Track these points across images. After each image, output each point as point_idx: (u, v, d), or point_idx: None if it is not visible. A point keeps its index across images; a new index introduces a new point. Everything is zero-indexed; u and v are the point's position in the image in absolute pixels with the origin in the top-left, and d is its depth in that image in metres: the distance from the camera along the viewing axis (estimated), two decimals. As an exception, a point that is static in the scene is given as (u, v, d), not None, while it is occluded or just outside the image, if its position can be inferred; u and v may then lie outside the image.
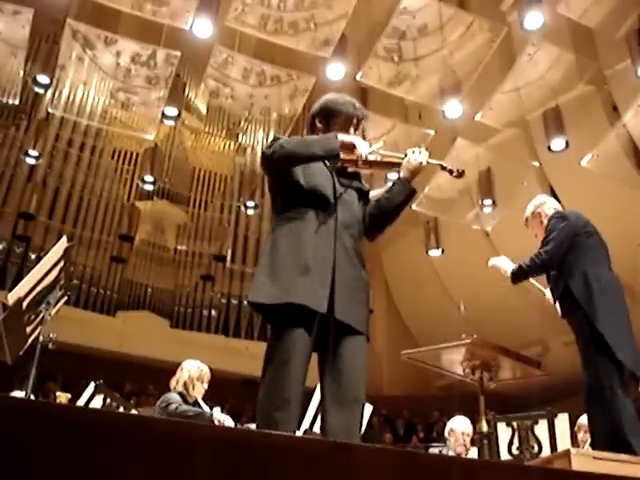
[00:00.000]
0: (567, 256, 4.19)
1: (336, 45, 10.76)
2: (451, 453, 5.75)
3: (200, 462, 1.57)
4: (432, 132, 12.19)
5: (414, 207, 12.16)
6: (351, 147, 2.92)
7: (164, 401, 5.10)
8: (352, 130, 3.16)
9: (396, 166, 3.14)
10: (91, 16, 11.26)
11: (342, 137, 2.95)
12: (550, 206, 4.55)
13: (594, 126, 11.46)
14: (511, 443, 5.02)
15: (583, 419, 5.34)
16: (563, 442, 4.93)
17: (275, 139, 3.02)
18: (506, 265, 4.42)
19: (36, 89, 11.87)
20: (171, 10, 10.15)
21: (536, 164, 12.90)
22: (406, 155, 3.09)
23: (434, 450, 6.45)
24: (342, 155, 2.96)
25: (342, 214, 2.96)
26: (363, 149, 2.94)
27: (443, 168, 3.17)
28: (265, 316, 2.90)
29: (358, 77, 11.27)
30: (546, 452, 4.88)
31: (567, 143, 11.17)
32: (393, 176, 3.16)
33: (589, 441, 4.40)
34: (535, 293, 4.76)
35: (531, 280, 4.56)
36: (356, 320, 2.84)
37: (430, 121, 12.75)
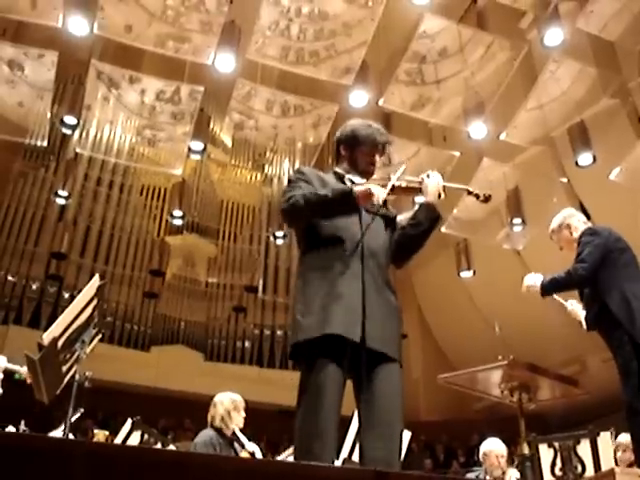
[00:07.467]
0: (601, 273, 4.09)
1: (357, 72, 10.83)
2: (488, 478, 5.67)
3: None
4: (457, 154, 12.17)
5: (443, 229, 12.12)
6: (368, 196, 2.86)
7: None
8: (377, 157, 3.15)
9: (418, 191, 3.13)
10: (115, 56, 11.43)
11: (357, 190, 2.87)
12: (579, 219, 4.48)
13: (621, 139, 11.36)
14: (554, 464, 4.92)
15: (622, 437, 5.23)
16: (606, 461, 4.82)
17: (290, 189, 3.00)
18: (536, 279, 4.32)
19: (63, 130, 12.05)
20: (193, 46, 10.29)
21: (564, 180, 12.81)
22: (422, 181, 3.06)
23: (471, 475, 6.35)
24: (361, 203, 2.90)
25: (369, 242, 2.94)
26: (379, 193, 2.87)
27: (469, 193, 3.17)
28: (303, 352, 2.80)
29: (381, 102, 11.32)
30: (590, 472, 4.79)
31: (594, 157, 11.07)
32: (420, 198, 3.14)
33: (630, 460, 4.32)
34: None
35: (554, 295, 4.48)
36: (388, 347, 2.82)
37: (455, 143, 12.73)
